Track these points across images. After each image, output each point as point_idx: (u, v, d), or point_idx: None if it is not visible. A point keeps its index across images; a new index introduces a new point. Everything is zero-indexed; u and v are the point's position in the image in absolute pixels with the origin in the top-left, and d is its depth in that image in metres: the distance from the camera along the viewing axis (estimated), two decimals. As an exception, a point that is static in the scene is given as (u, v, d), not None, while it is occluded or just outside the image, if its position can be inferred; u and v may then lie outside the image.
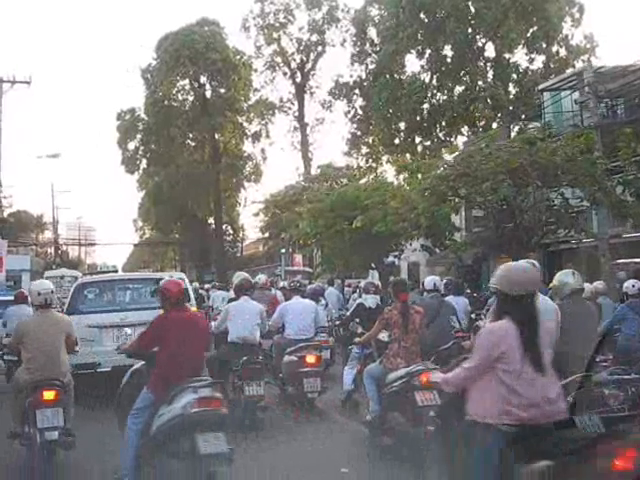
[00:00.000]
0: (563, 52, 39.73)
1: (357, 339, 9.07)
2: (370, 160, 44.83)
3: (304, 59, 49.05)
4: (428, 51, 39.79)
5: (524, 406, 4.00)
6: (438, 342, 8.64)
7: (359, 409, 9.32)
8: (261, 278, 14.61)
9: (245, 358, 8.70)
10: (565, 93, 19.63)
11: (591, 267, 14.87)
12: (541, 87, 23.49)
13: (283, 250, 40.01)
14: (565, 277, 6.76)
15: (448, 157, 17.58)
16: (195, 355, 6.15)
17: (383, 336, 8.08)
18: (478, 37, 38.08)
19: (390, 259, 24.38)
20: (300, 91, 49.28)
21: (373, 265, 22.98)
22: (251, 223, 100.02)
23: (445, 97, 39.04)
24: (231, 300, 11.65)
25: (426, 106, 38.89)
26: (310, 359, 9.66)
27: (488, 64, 39.47)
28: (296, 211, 29.49)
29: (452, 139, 39.82)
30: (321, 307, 12.46)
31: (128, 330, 9.71)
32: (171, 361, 5.96)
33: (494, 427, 4.02)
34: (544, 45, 38.33)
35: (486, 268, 21.04)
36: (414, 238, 18.43)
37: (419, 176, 16.16)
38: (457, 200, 15.35)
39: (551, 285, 7.14)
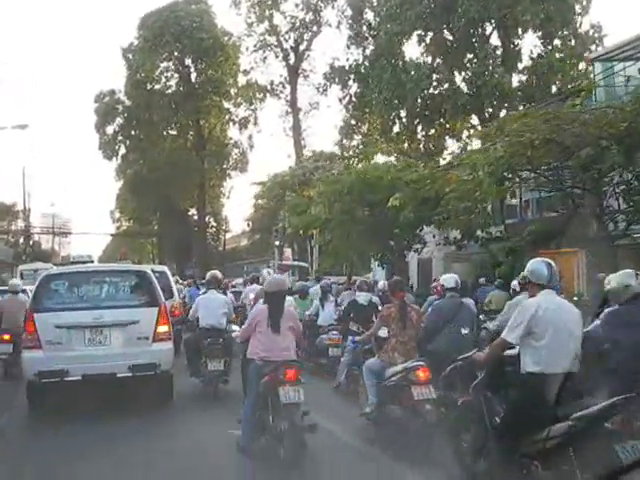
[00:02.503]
0: (571, 41, 37.84)
1: (357, 337, 10.02)
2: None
3: (298, 39, 45.99)
4: (430, 34, 37.44)
5: (266, 350, 7.52)
6: (449, 349, 8.06)
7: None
8: (268, 272, 14.24)
9: (209, 340, 10.63)
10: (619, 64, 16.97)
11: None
12: (593, 56, 20.79)
13: (277, 242, 37.05)
14: (627, 278, 6.16)
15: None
16: None
17: (382, 332, 8.59)
18: (487, 18, 35.55)
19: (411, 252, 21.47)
20: (293, 73, 46.26)
21: (389, 257, 20.13)
22: (235, 216, 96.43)
23: (449, 84, 36.60)
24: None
25: (430, 91, 36.38)
26: None
27: (494, 52, 37.14)
28: (304, 194, 26.44)
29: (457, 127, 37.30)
30: (312, 306, 14.02)
31: (103, 331, 9.49)
32: None
33: (253, 361, 7.63)
34: (554, 30, 36.27)
35: (519, 265, 18.18)
36: (463, 225, 15.54)
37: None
38: (520, 178, 12.43)
39: (608, 287, 6.59)
